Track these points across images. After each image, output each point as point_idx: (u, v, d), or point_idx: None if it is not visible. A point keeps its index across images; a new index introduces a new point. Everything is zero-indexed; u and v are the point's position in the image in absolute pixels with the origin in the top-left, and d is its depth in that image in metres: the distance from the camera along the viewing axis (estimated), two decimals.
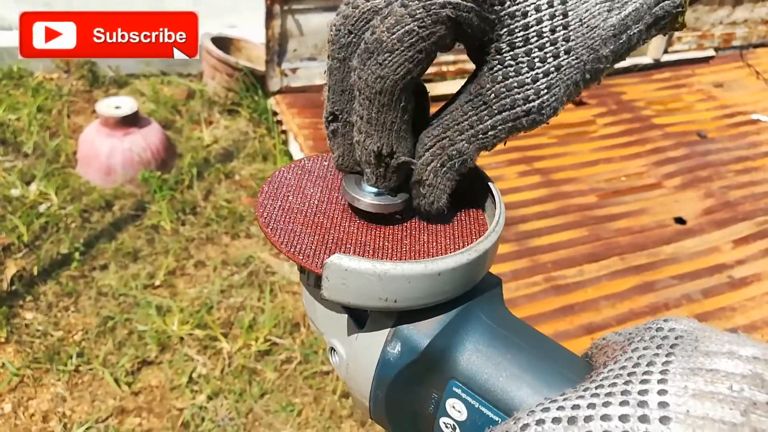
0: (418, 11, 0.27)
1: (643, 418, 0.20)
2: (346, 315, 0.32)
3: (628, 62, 3.10)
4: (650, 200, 2.22)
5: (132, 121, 2.25)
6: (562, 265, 1.88)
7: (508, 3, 0.28)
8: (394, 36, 0.27)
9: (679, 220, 2.13)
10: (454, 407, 0.29)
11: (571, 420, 0.21)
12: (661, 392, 0.20)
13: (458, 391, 0.29)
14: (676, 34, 3.22)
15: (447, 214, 0.34)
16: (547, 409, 0.22)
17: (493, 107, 0.30)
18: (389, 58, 0.28)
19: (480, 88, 0.30)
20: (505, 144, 0.33)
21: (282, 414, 1.59)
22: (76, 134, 2.43)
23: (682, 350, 0.23)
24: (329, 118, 0.33)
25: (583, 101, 2.76)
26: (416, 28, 0.27)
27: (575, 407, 0.21)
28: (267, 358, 1.73)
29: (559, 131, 2.54)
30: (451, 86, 2.59)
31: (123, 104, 2.26)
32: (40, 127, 2.48)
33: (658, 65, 3.17)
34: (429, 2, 0.27)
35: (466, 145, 0.31)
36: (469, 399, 0.28)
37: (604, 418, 0.20)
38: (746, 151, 2.55)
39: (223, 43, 2.82)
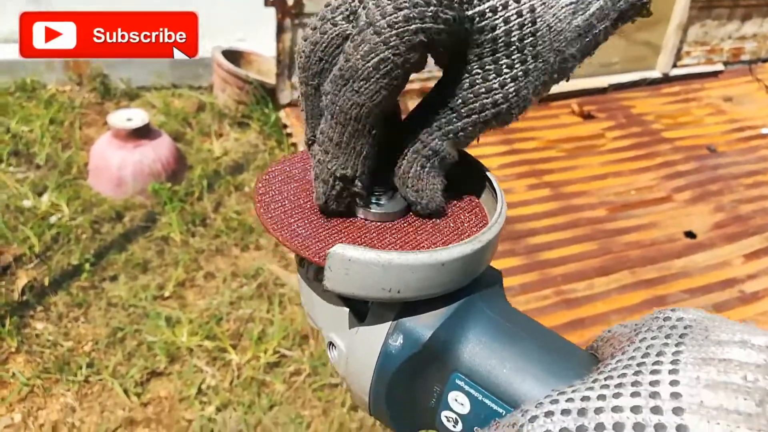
0: (392, 39, 0.27)
1: (656, 409, 0.19)
2: (346, 308, 0.31)
3: (637, 76, 3.11)
4: (660, 214, 2.21)
5: (143, 133, 2.26)
6: (572, 278, 1.87)
7: (478, 19, 0.28)
8: (369, 64, 0.27)
9: (690, 234, 2.12)
10: (456, 400, 0.28)
11: (581, 412, 0.20)
12: (673, 383, 0.20)
13: (461, 383, 0.28)
14: (685, 48, 3.22)
15: (447, 206, 0.34)
16: (555, 401, 0.21)
17: (462, 112, 0.30)
18: (365, 86, 0.28)
19: (447, 96, 0.30)
20: (478, 141, 0.33)
21: (291, 426, 1.59)
22: (88, 146, 2.45)
23: (692, 339, 0.22)
24: (309, 143, 0.33)
25: (592, 115, 2.77)
26: (391, 56, 0.27)
27: (585, 399, 0.21)
28: (276, 370, 1.73)
29: (569, 145, 2.54)
30: None
31: (134, 116, 2.28)
32: (52, 139, 2.50)
33: (667, 79, 3.17)
34: (402, 30, 0.27)
35: (438, 143, 0.31)
36: (472, 391, 0.28)
37: (615, 409, 0.20)
38: (756, 165, 2.54)
39: (233, 56, 2.84)
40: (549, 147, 2.52)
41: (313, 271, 0.32)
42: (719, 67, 3.31)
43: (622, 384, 0.21)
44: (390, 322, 0.29)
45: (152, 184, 2.24)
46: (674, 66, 3.21)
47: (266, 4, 2.41)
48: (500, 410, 0.27)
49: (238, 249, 2.11)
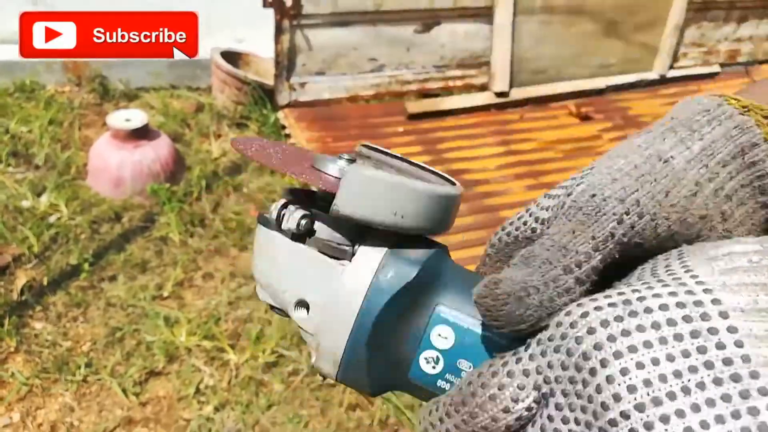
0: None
1: (690, 292, 0.21)
2: (324, 257, 0.30)
3: (634, 77, 3.12)
4: None
5: (142, 133, 2.27)
6: None
7: None
8: None
9: None
10: (440, 335, 0.28)
11: (626, 302, 0.21)
12: (693, 276, 0.22)
13: (445, 315, 0.28)
14: (682, 49, 3.24)
15: None
16: (595, 299, 0.22)
17: None
18: None
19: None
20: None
21: (289, 426, 1.59)
22: (87, 146, 2.45)
23: (689, 251, 0.24)
24: None
25: (590, 116, 2.78)
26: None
27: (621, 294, 0.22)
28: (274, 369, 1.73)
29: (566, 146, 2.55)
30: (458, 101, 2.61)
31: (133, 117, 2.28)
32: (51, 140, 2.51)
33: (663, 81, 3.19)
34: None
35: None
36: (457, 322, 0.28)
37: (655, 296, 0.21)
38: None
39: (232, 57, 2.85)
40: (547, 148, 2.53)
41: (294, 222, 0.30)
42: (716, 68, 3.33)
43: (650, 285, 0.22)
44: (379, 260, 0.29)
45: (151, 185, 2.25)
46: (671, 67, 3.23)
47: (265, 5, 2.42)
48: (487, 333, 0.27)
49: (236, 249, 2.12)
